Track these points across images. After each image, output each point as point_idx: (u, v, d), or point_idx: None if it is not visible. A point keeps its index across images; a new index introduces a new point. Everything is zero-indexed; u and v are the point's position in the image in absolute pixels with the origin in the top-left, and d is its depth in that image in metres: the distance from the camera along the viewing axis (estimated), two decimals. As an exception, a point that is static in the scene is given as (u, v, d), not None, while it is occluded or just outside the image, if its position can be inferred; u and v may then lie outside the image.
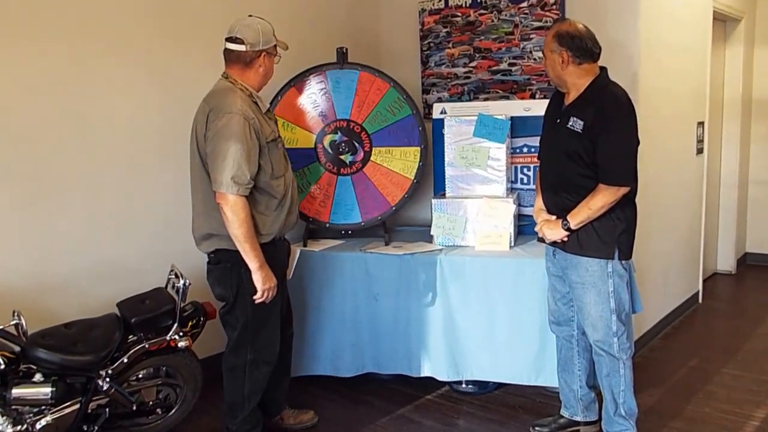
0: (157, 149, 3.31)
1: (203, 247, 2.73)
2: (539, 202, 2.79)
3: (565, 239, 2.62)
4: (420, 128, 3.49)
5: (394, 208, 3.49)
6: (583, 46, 2.52)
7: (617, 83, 2.60)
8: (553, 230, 2.65)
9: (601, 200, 2.50)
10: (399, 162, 3.50)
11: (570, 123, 2.55)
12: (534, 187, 3.44)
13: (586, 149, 2.51)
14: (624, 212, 2.58)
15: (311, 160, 3.54)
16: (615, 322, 2.61)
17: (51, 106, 2.92)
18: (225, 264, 2.67)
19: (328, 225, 3.52)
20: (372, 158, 3.52)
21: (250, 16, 2.68)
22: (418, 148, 3.48)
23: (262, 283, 2.61)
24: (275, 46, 2.72)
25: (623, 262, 2.61)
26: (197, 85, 2.89)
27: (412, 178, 3.48)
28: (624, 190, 2.51)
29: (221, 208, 2.54)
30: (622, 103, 2.52)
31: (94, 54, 3.04)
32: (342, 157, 3.53)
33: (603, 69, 2.60)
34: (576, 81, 2.57)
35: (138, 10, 3.20)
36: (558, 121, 2.64)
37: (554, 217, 2.67)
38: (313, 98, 3.53)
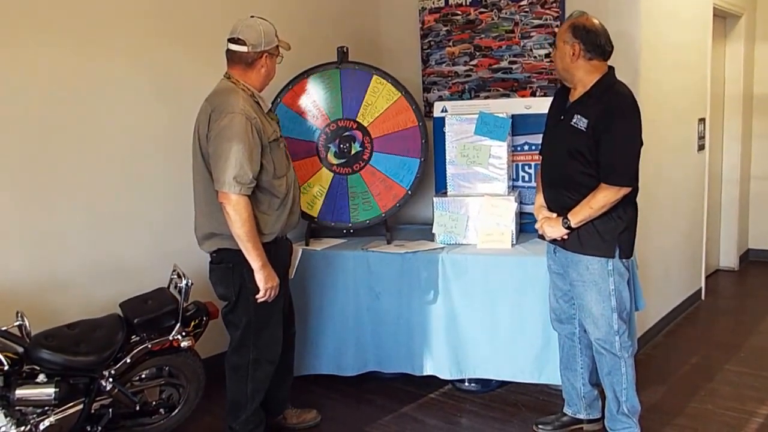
0: (159, 149, 3.31)
1: (205, 246, 2.73)
2: (540, 199, 2.78)
3: (566, 237, 2.62)
4: (356, 67, 3.52)
5: (420, 123, 3.48)
6: (597, 42, 2.51)
7: (623, 83, 2.59)
8: (553, 228, 2.64)
9: (602, 200, 2.50)
10: (381, 100, 3.51)
11: (574, 120, 2.54)
12: (535, 184, 3.44)
13: (589, 147, 2.50)
14: (625, 211, 2.57)
15: (344, 180, 3.54)
16: (616, 320, 2.61)
17: (54, 107, 2.92)
18: (227, 263, 2.67)
19: (410, 192, 3.48)
20: (365, 124, 3.52)
21: (252, 16, 2.68)
22: (373, 77, 3.51)
23: (264, 282, 2.61)
24: (277, 46, 2.72)
25: (624, 260, 2.61)
26: (199, 86, 2.89)
27: (400, 93, 3.49)
28: (626, 190, 2.50)
29: (224, 208, 2.54)
30: (627, 103, 2.51)
31: (96, 55, 3.04)
32: (353, 152, 3.53)
33: (611, 68, 2.59)
34: (583, 77, 2.56)
35: (140, 12, 3.20)
36: (562, 118, 2.63)
37: (555, 215, 2.67)
38: (295, 151, 3.46)
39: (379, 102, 3.51)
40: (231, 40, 2.65)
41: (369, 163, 3.53)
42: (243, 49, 2.62)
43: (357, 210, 3.52)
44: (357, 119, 3.53)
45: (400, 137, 3.50)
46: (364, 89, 3.52)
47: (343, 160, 3.54)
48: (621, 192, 2.49)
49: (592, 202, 2.51)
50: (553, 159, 2.69)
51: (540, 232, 2.74)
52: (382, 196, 3.52)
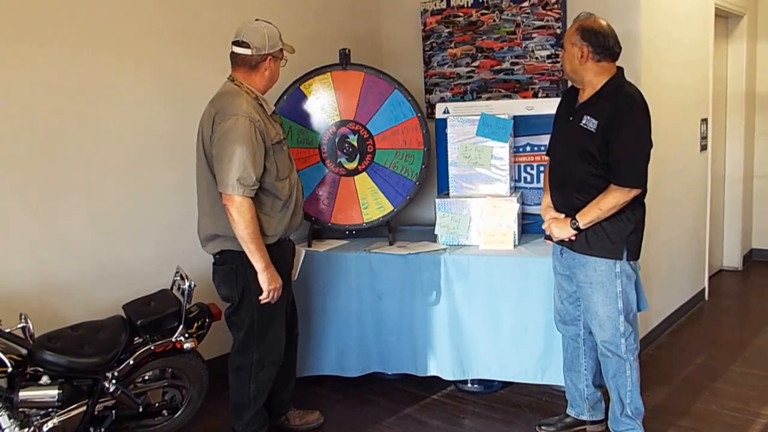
0: (163, 152, 3.32)
1: (209, 248, 2.73)
2: (547, 199, 2.77)
3: (573, 238, 2.62)
4: (284, 97, 3.50)
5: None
6: (605, 44, 2.49)
7: (633, 84, 2.57)
8: (561, 229, 2.63)
9: (612, 201, 2.48)
10: (323, 94, 3.53)
11: (583, 121, 2.52)
12: (538, 185, 3.45)
13: (599, 149, 2.49)
14: (634, 213, 2.56)
15: (375, 166, 3.57)
16: (622, 322, 2.60)
17: (58, 110, 2.93)
18: (230, 265, 2.68)
19: (419, 114, 3.50)
20: (340, 119, 3.54)
21: (257, 20, 2.69)
22: (298, 87, 3.51)
23: (267, 283, 2.61)
24: (281, 50, 2.72)
25: (631, 262, 2.60)
26: (203, 88, 2.90)
27: (326, 73, 3.51)
28: (636, 191, 2.49)
29: (227, 210, 2.55)
30: (638, 104, 2.49)
31: (100, 57, 3.05)
32: (357, 144, 3.55)
33: (620, 69, 2.57)
34: (592, 78, 2.54)
35: (145, 14, 3.21)
36: (571, 119, 2.61)
37: (563, 215, 2.66)
38: (331, 192, 3.59)
39: (322, 96, 3.54)
40: (235, 43, 2.65)
41: (374, 136, 3.55)
42: (247, 52, 2.63)
43: (407, 170, 3.54)
44: (330, 123, 3.55)
45: (366, 95, 3.53)
46: (304, 103, 3.54)
47: (357, 156, 3.55)
48: (631, 193, 2.48)
49: (601, 204, 2.50)
50: (561, 160, 2.68)
51: (548, 233, 2.74)
52: (409, 140, 3.54)
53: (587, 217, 2.54)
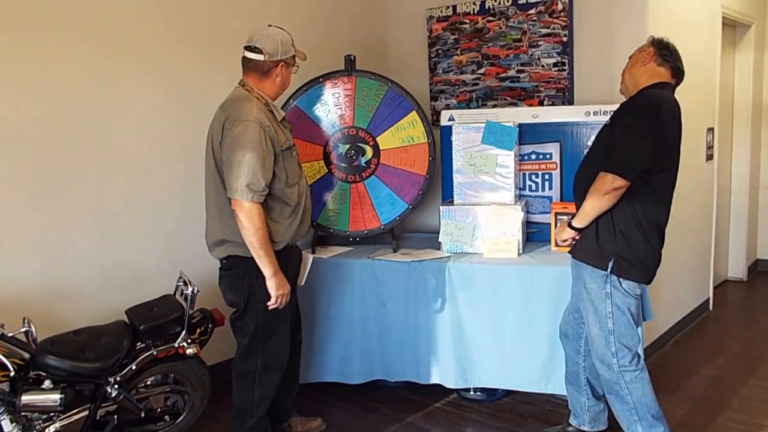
0: (169, 157, 3.33)
1: (216, 253, 2.73)
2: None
3: (576, 237, 2.62)
4: (404, 95, 3.49)
5: (428, 176, 3.48)
6: (670, 54, 2.59)
7: (657, 94, 2.54)
8: (561, 230, 2.66)
9: (598, 186, 2.43)
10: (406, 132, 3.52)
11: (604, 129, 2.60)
12: (543, 193, 3.47)
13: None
14: (630, 230, 2.49)
15: (332, 182, 3.55)
16: (613, 342, 2.56)
17: (64, 115, 2.94)
18: (237, 270, 2.68)
19: (383, 228, 3.52)
20: (381, 147, 3.54)
21: (270, 25, 2.69)
22: (414, 112, 3.49)
23: (276, 289, 2.61)
24: (294, 56, 2.73)
25: (623, 287, 2.52)
26: (212, 93, 2.92)
27: (426, 140, 3.48)
28: (619, 182, 2.40)
29: (236, 215, 2.55)
30: (645, 103, 2.50)
31: (109, 61, 3.07)
32: (356, 163, 3.53)
33: (668, 84, 2.63)
34: (644, 82, 2.58)
35: (155, 19, 3.22)
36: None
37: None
38: (303, 130, 3.50)
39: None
40: (248, 48, 2.65)
41: (364, 182, 3.54)
42: (259, 57, 2.63)
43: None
44: (377, 137, 3.53)
45: (403, 176, 3.53)
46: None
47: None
48: (615, 182, 2.39)
49: (589, 190, 2.48)
50: (580, 168, 2.70)
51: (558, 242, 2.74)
52: (359, 219, 3.56)
53: (580, 213, 2.55)
